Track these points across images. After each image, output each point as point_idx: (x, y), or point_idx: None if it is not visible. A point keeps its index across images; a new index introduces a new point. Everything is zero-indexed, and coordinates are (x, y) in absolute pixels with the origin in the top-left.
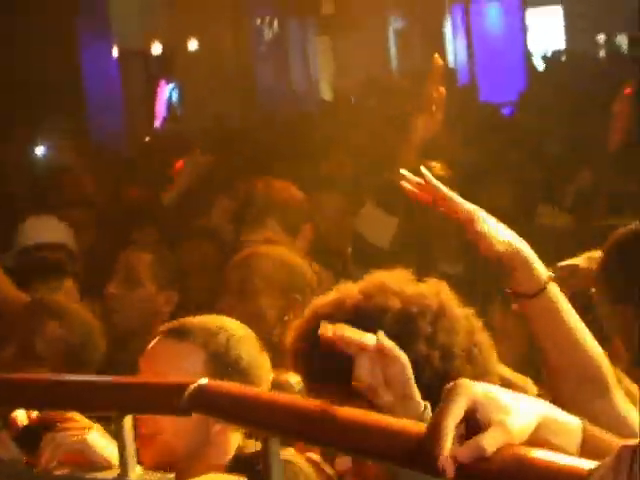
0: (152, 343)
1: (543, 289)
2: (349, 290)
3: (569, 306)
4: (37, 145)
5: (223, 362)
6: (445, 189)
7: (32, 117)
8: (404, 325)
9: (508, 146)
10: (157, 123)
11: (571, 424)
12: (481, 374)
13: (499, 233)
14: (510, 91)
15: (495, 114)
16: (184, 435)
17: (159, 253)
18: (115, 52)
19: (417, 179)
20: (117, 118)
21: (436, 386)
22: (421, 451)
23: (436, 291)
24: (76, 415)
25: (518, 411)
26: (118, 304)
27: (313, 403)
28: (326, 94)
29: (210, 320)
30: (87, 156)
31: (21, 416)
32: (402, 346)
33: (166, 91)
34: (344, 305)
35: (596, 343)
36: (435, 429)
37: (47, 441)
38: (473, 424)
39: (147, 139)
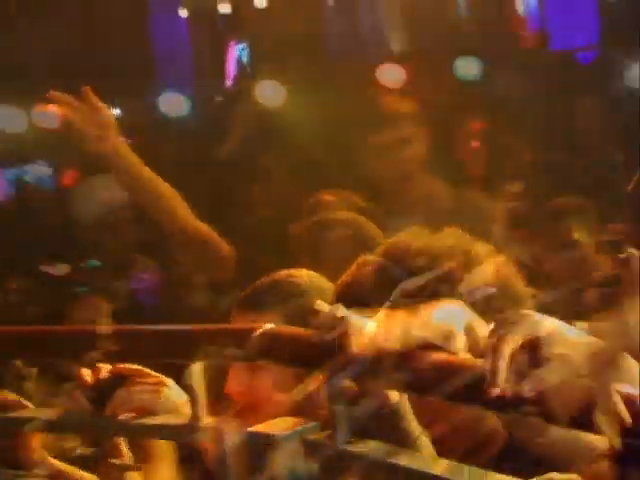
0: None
1: None
2: (370, 261)
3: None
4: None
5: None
6: None
7: (102, 80)
8: (446, 283)
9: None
10: (228, 82)
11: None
12: (515, 304)
13: None
14: (585, 35)
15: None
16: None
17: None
18: (184, 12)
19: None
20: (187, 79)
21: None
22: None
23: (463, 240)
24: (149, 371)
25: (578, 343)
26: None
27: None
28: (395, 46)
29: (281, 280)
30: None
31: (87, 374)
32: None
33: (236, 51)
34: (364, 275)
35: None
36: (492, 361)
37: (119, 396)
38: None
39: (219, 99)
